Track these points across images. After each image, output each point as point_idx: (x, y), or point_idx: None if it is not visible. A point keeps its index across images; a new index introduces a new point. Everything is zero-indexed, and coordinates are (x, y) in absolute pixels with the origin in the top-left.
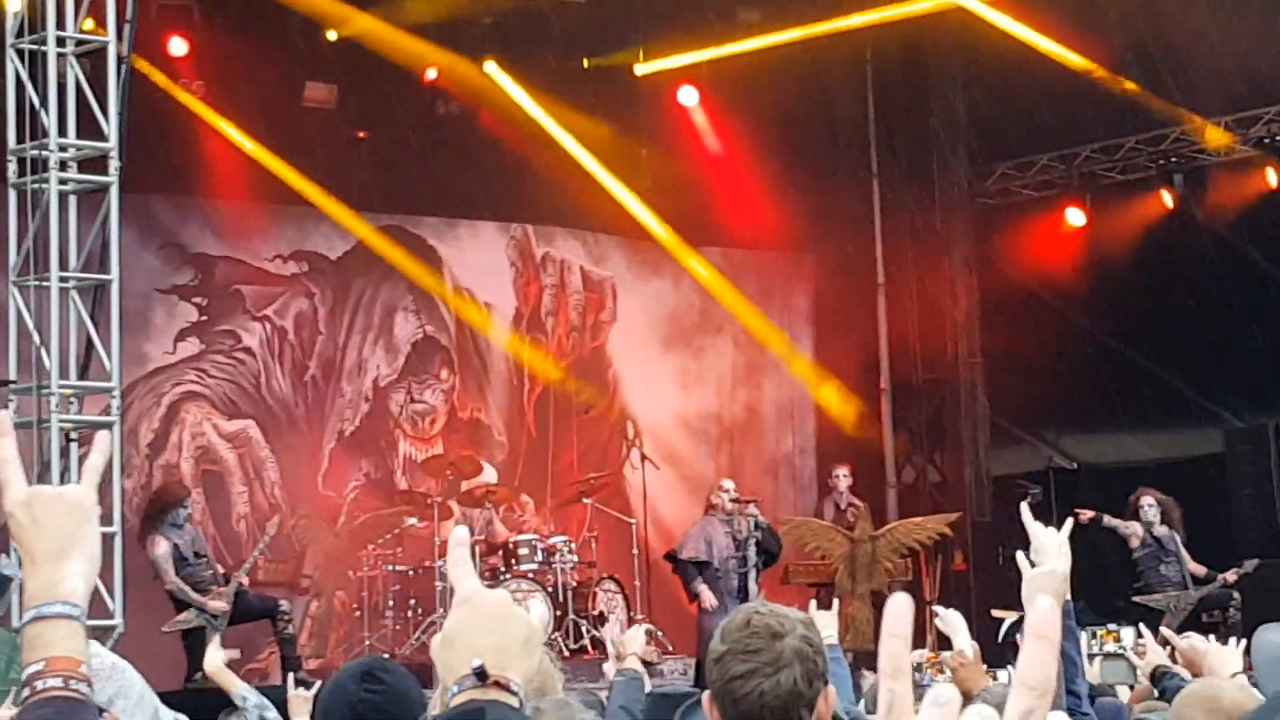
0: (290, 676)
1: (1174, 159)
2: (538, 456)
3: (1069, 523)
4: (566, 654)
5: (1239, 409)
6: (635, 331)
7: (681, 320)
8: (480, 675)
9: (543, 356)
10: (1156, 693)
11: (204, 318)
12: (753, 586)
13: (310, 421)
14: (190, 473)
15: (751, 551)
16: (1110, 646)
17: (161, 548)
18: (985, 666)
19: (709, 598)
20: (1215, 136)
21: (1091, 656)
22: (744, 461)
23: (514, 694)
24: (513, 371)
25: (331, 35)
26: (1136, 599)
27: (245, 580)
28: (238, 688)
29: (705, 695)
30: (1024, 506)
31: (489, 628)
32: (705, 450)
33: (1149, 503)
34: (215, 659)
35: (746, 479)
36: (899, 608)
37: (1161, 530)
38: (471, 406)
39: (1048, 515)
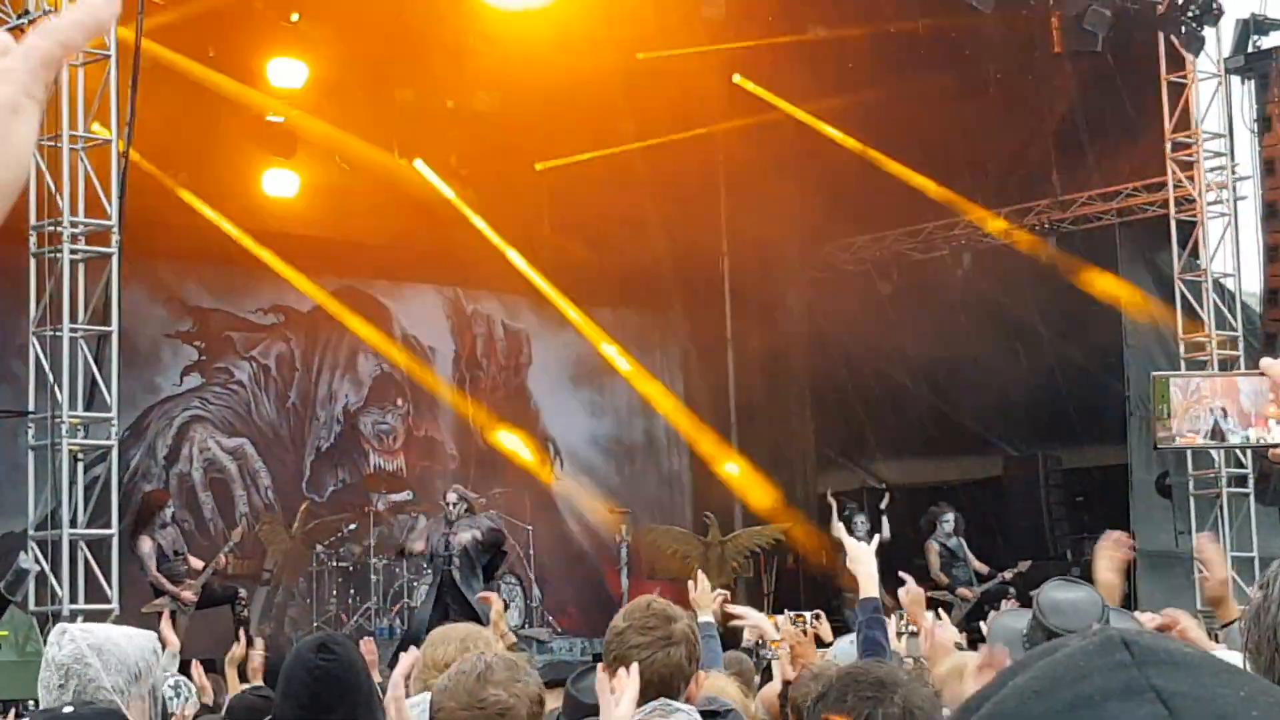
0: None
1: (964, 240)
2: (487, 466)
3: (876, 539)
4: None
5: (1014, 442)
6: (549, 371)
7: (586, 363)
8: None
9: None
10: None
11: (203, 357)
12: (464, 581)
13: (294, 439)
14: (200, 480)
15: (456, 552)
16: (913, 627)
17: (146, 546)
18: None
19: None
20: (996, 224)
21: (900, 634)
22: (646, 476)
23: None
24: (457, 399)
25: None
26: (931, 594)
27: (210, 574)
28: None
29: (600, 665)
30: (839, 525)
31: None
32: (613, 466)
33: (946, 517)
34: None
35: (649, 490)
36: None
37: (953, 541)
38: (425, 427)
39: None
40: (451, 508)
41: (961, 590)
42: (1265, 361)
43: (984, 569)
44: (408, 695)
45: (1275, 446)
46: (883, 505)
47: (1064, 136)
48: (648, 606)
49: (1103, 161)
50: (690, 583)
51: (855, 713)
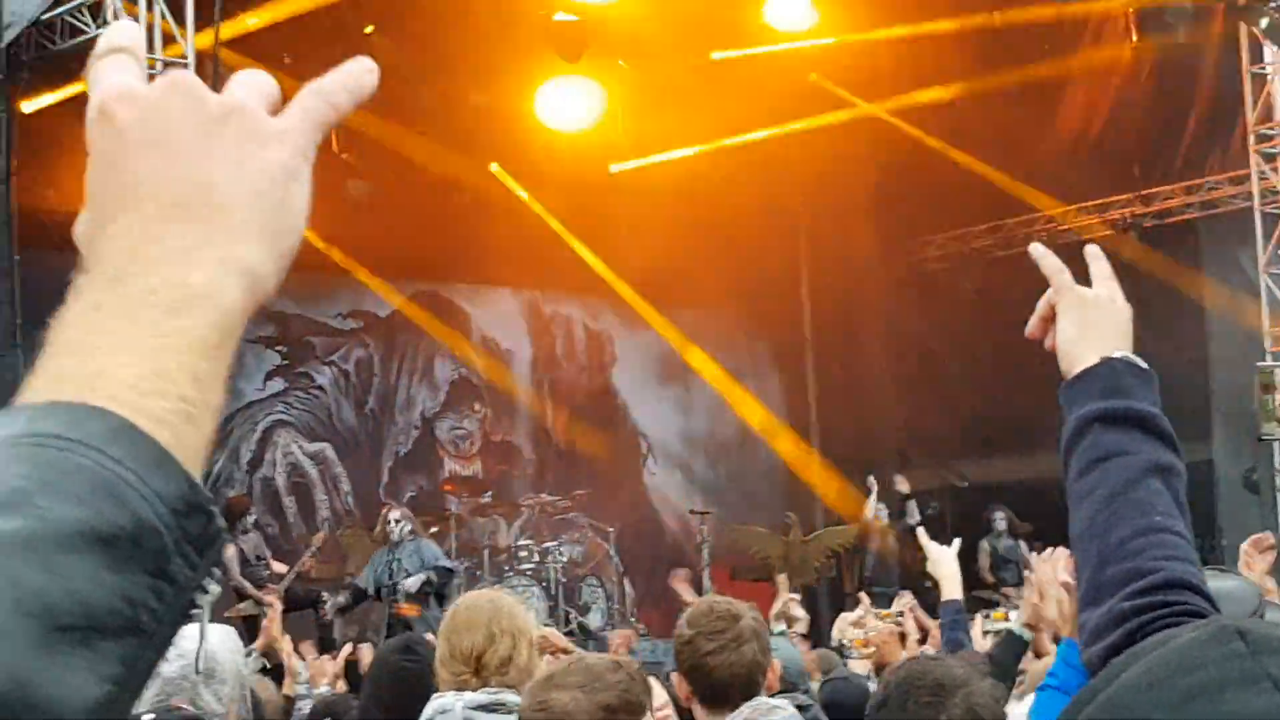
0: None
1: (1045, 237)
2: (567, 468)
3: (957, 542)
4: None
5: None
6: (634, 371)
7: (671, 361)
8: None
9: (556, 394)
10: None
11: (285, 362)
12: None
13: (372, 445)
14: (283, 485)
15: (403, 578)
16: (1001, 625)
17: (229, 551)
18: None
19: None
20: (1078, 220)
21: (986, 632)
22: (741, 471)
23: None
24: (536, 402)
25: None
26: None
27: (293, 578)
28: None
29: (674, 674)
30: (920, 531)
31: None
32: (706, 462)
33: (999, 518)
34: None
35: (746, 485)
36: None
37: (1005, 542)
38: (502, 432)
39: (943, 524)
40: (394, 526)
41: (1006, 590)
42: None
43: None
44: (436, 691)
45: None
46: (927, 510)
47: (1145, 130)
48: (710, 610)
49: (1185, 155)
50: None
51: (918, 717)
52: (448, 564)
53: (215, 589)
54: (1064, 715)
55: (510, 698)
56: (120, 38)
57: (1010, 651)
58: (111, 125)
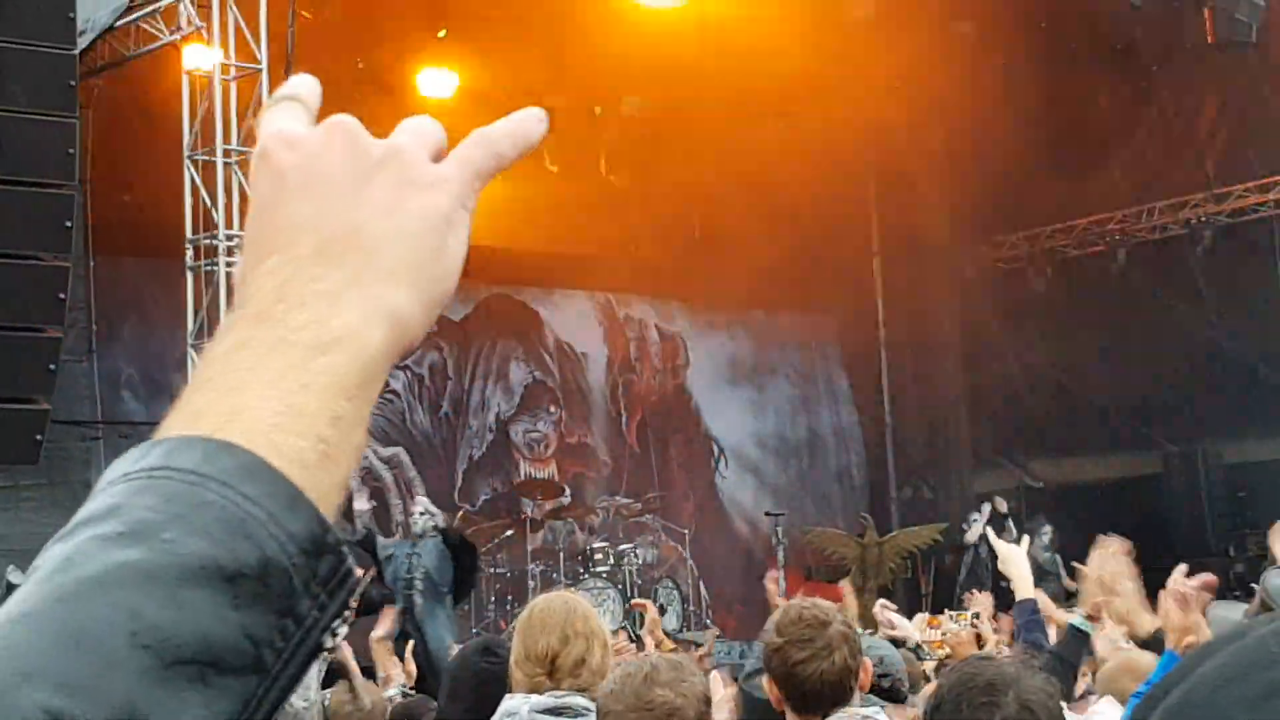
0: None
1: (1119, 235)
2: (640, 471)
3: (1025, 540)
4: (633, 639)
5: (1174, 438)
6: (707, 373)
7: (743, 363)
8: None
9: (631, 396)
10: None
11: None
12: (427, 610)
13: (446, 448)
14: (357, 488)
15: (419, 575)
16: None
17: None
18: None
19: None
20: (1151, 219)
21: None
22: (813, 473)
23: None
24: (610, 404)
25: None
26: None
27: (369, 582)
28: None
29: (765, 679)
30: (989, 530)
31: None
32: (778, 464)
33: (1044, 530)
34: (377, 634)
35: (820, 487)
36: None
37: (1047, 555)
38: (578, 434)
39: (1019, 524)
40: (417, 519)
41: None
42: None
43: (1072, 586)
44: (510, 691)
45: None
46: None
47: (1218, 128)
48: (799, 617)
49: (1259, 153)
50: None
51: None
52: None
53: (344, 631)
54: (1137, 711)
55: (577, 700)
56: (295, 88)
57: (1074, 646)
58: (272, 169)
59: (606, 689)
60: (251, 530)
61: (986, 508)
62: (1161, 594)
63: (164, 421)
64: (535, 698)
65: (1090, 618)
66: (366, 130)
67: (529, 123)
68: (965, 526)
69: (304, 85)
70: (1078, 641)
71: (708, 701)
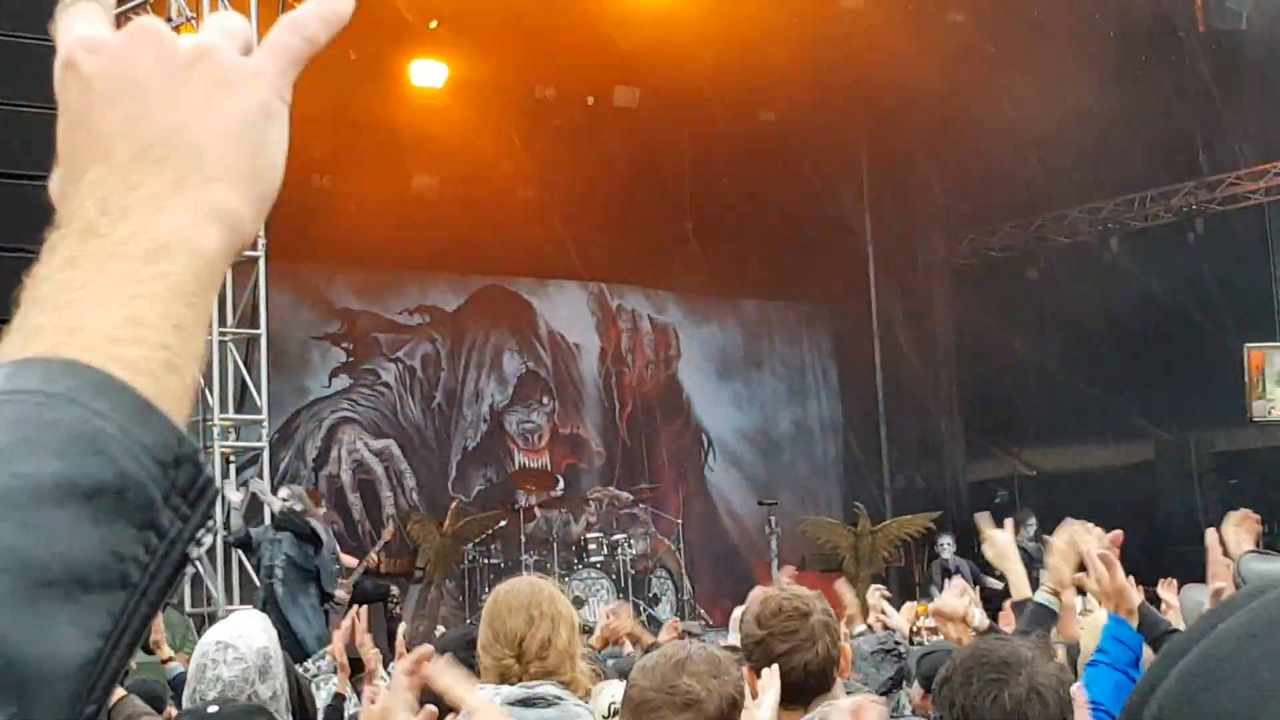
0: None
1: (1111, 225)
2: (632, 462)
3: (1009, 523)
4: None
5: (1166, 425)
6: (697, 365)
7: (732, 356)
8: None
9: (624, 387)
10: None
11: (351, 359)
12: (289, 598)
13: (439, 440)
14: (349, 481)
15: (279, 564)
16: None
17: None
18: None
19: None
20: (1144, 207)
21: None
22: (796, 467)
23: None
24: (603, 395)
25: None
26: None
27: (362, 573)
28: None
29: (746, 669)
30: (978, 516)
31: None
32: (761, 458)
33: (1029, 523)
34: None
35: (800, 481)
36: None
37: (1033, 545)
38: (571, 424)
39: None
40: (280, 505)
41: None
42: None
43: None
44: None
45: None
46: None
47: (1209, 117)
48: (780, 609)
49: (1250, 141)
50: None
51: (981, 695)
52: (322, 535)
53: (208, 540)
54: (1156, 668)
55: (548, 689)
56: None
57: (1039, 625)
58: (78, 77)
59: (641, 664)
60: (104, 445)
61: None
62: (1089, 559)
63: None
64: (506, 689)
65: (1053, 594)
66: (176, 35)
67: (335, 1)
68: (939, 550)
69: None
70: (1042, 618)
71: (735, 705)
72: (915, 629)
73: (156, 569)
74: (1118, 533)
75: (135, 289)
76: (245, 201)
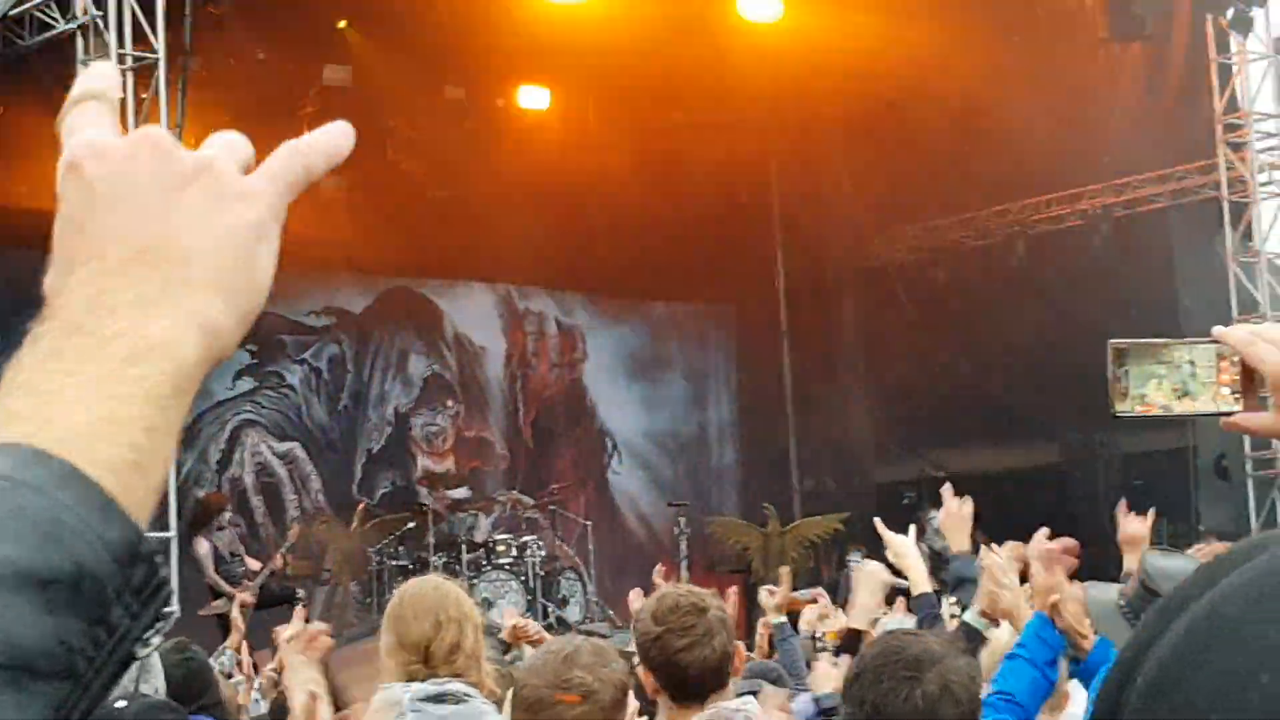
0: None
1: (1017, 227)
2: (536, 465)
3: (913, 529)
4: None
5: (1073, 428)
6: (604, 367)
7: (640, 358)
8: None
9: (529, 390)
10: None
11: (255, 361)
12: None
13: (345, 442)
14: (252, 484)
15: None
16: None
17: (204, 548)
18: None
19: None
20: (1049, 210)
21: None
22: (696, 470)
23: None
24: (508, 398)
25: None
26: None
27: (268, 575)
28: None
29: (641, 669)
30: (877, 521)
31: None
32: (667, 460)
33: (934, 519)
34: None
35: (700, 484)
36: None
37: (940, 543)
38: (476, 428)
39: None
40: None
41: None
42: (1217, 330)
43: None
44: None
45: (1228, 415)
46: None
47: (1115, 121)
48: (676, 605)
49: (1154, 145)
50: (765, 590)
51: (893, 693)
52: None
53: (156, 640)
54: (1149, 625)
55: (457, 687)
56: (95, 82)
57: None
58: (81, 181)
59: (527, 664)
60: (65, 537)
61: (914, 529)
62: (1024, 555)
63: None
64: (416, 685)
65: (985, 615)
66: (179, 144)
67: (338, 137)
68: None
69: (104, 78)
70: (970, 640)
71: (625, 690)
72: (817, 634)
73: (102, 664)
74: (1072, 542)
75: (114, 388)
76: (229, 313)
